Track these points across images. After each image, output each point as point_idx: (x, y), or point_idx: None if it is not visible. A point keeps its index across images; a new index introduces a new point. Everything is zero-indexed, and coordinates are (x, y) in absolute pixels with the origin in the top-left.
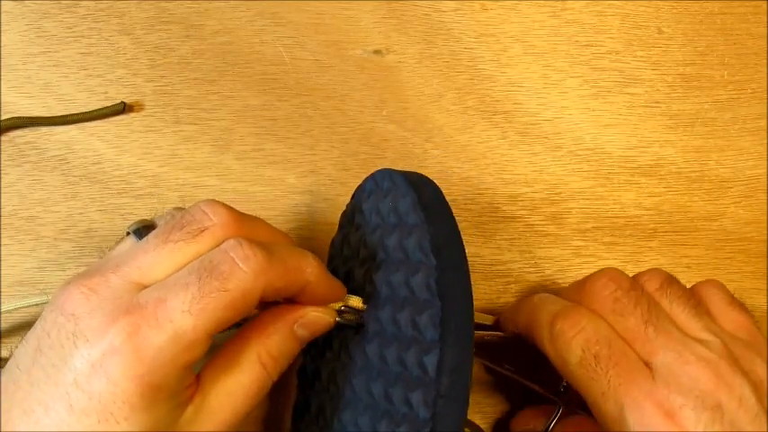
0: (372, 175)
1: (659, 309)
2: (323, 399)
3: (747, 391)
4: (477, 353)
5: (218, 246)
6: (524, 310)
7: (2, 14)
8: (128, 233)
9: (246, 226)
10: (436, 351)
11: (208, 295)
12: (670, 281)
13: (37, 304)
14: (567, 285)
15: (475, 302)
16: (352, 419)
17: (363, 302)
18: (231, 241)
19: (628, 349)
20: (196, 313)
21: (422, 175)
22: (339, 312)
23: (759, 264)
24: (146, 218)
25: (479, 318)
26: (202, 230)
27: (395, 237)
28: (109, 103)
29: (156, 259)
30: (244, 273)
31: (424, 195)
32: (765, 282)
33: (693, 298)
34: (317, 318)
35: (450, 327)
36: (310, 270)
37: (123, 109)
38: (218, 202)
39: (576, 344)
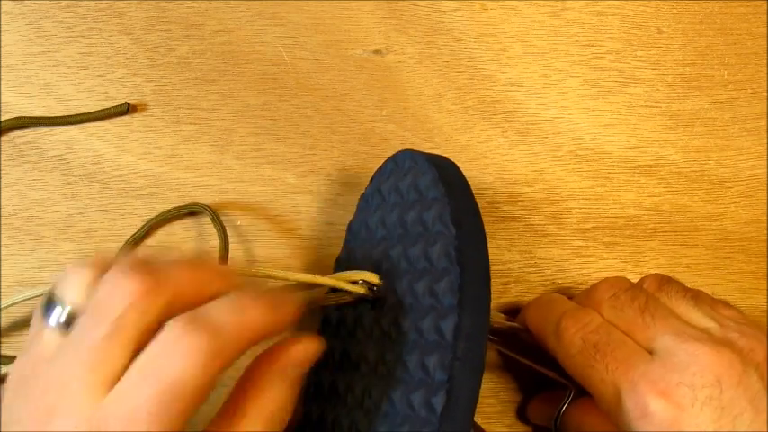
0: (393, 156)
1: (658, 302)
2: (336, 376)
3: (750, 369)
4: (492, 339)
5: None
6: (535, 307)
7: (2, 14)
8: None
9: (166, 289)
10: (454, 316)
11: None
12: (668, 280)
13: (33, 297)
14: (580, 291)
15: None
16: (365, 391)
17: (380, 278)
18: (168, 336)
19: (627, 338)
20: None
21: (442, 156)
22: (355, 284)
23: (759, 264)
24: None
25: (493, 316)
26: (120, 322)
27: (414, 212)
28: (109, 103)
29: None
30: (196, 368)
31: (444, 172)
32: (765, 282)
33: (691, 292)
34: (303, 350)
35: (469, 293)
36: (261, 311)
37: (127, 110)
38: (122, 270)
39: (577, 336)
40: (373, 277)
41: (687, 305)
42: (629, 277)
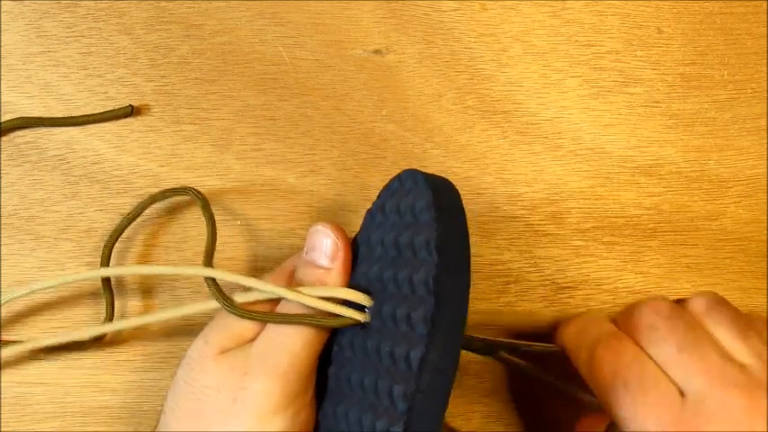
0: (399, 174)
1: (699, 333)
2: (327, 394)
3: None
4: (531, 366)
5: None
6: (572, 328)
7: (2, 14)
8: None
9: None
10: (422, 347)
11: None
12: (717, 302)
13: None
14: (624, 308)
15: (475, 302)
16: (343, 412)
17: (371, 299)
18: None
19: (661, 376)
20: None
21: (446, 179)
22: (344, 304)
23: (759, 264)
24: None
25: (540, 347)
26: None
27: (407, 235)
28: (109, 103)
29: None
30: None
31: (440, 197)
32: (765, 282)
33: (741, 319)
34: None
35: (440, 325)
36: None
37: (131, 112)
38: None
39: (608, 369)
40: (365, 299)
41: (732, 337)
42: (628, 277)
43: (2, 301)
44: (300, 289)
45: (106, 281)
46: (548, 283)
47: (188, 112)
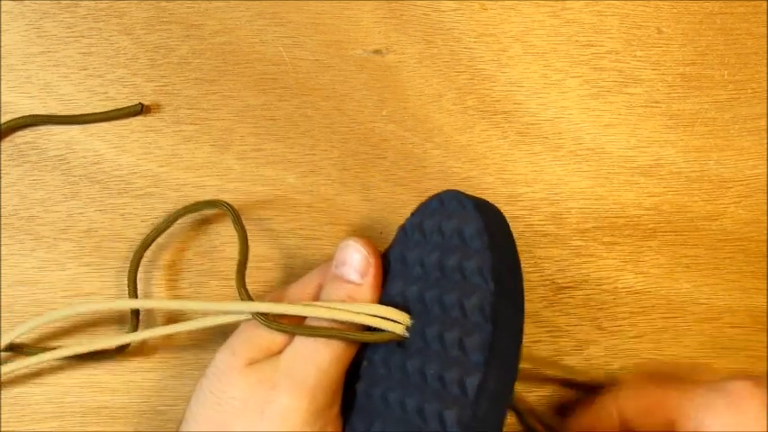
0: (439, 194)
1: None
2: (357, 410)
3: None
4: None
5: None
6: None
7: (2, 14)
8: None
9: None
10: (479, 374)
11: None
12: None
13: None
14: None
15: None
16: (381, 431)
17: (411, 318)
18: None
19: None
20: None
21: (488, 201)
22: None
23: (759, 264)
24: None
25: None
26: None
27: (454, 258)
28: (109, 103)
29: None
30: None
31: (490, 222)
32: (765, 282)
33: None
34: None
35: (497, 353)
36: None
37: (141, 110)
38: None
39: None
40: (405, 318)
41: None
42: (628, 277)
43: (31, 325)
44: (339, 305)
45: (132, 288)
46: (548, 283)
47: (188, 112)
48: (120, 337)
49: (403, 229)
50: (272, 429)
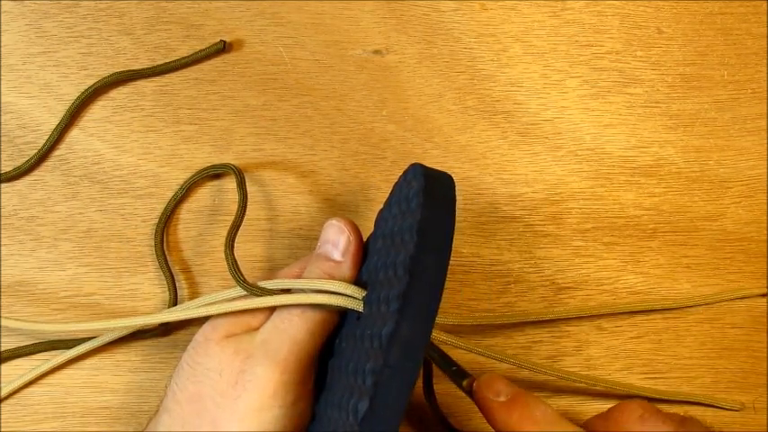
0: (405, 170)
1: None
2: (329, 382)
3: None
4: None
5: None
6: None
7: (2, 14)
8: None
9: None
10: (392, 322)
11: None
12: (651, 410)
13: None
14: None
15: (475, 302)
16: (331, 400)
17: (365, 290)
18: None
19: None
20: None
21: (445, 172)
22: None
23: (759, 264)
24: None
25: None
26: None
27: (399, 223)
28: (109, 103)
29: None
30: None
31: (431, 184)
32: (765, 282)
33: (675, 418)
34: None
35: (411, 302)
36: None
37: (224, 47)
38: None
39: None
40: (359, 292)
41: None
42: (628, 277)
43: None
44: (300, 282)
45: (165, 265)
46: (548, 283)
47: (188, 112)
48: (162, 315)
49: (380, 210)
50: (244, 398)
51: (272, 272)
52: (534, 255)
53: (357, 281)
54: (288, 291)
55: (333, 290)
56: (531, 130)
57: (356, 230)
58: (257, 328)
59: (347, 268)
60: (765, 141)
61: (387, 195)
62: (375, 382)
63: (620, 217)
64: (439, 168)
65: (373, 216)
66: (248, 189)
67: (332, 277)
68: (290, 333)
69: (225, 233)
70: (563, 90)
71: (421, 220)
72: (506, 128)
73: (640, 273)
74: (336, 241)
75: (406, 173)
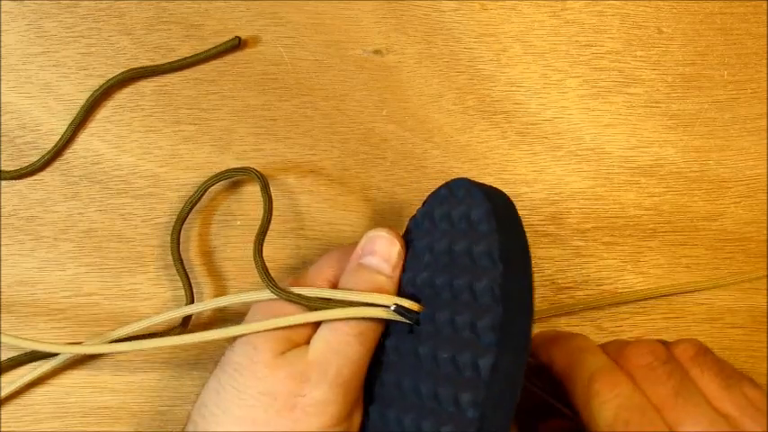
0: (448, 183)
1: (690, 381)
2: (371, 400)
3: None
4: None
5: None
6: (564, 350)
7: (2, 14)
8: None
9: None
10: (492, 355)
11: None
12: (704, 351)
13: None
14: (610, 341)
15: None
16: (395, 417)
17: (422, 304)
18: None
19: (657, 419)
20: None
21: (496, 188)
22: (395, 311)
23: (759, 264)
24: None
25: None
26: None
27: (463, 243)
28: (109, 102)
29: None
30: None
31: (498, 206)
32: (765, 282)
33: (726, 370)
34: None
35: (509, 333)
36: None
37: (239, 44)
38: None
39: (609, 407)
40: (412, 304)
41: (717, 386)
42: (628, 277)
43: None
44: (349, 295)
45: (180, 264)
46: (548, 283)
47: (188, 112)
48: (182, 310)
49: (414, 218)
50: (305, 423)
51: (272, 272)
52: (534, 254)
53: (400, 292)
54: (327, 300)
55: (389, 304)
56: (530, 129)
57: (403, 243)
58: (301, 343)
59: (396, 282)
60: (765, 141)
61: (387, 195)
62: (481, 414)
63: (620, 217)
64: (439, 169)
65: (373, 216)
66: (248, 189)
67: (382, 291)
68: (347, 354)
69: (226, 233)
70: (563, 90)
71: (501, 248)
72: (506, 128)
73: (640, 273)
74: (387, 255)
75: (451, 187)
